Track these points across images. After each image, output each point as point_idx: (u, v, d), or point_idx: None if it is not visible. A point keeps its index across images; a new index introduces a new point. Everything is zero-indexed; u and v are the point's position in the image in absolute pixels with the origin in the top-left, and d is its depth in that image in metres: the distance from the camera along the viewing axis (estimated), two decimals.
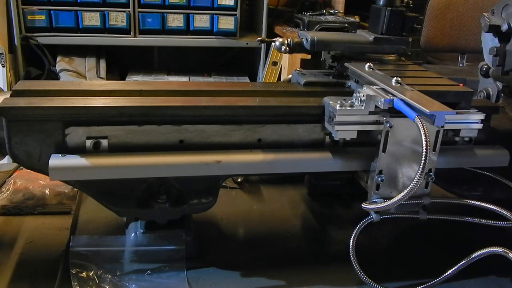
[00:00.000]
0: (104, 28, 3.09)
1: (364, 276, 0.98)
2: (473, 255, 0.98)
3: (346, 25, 3.07)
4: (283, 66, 3.17)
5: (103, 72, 3.15)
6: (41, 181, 1.29)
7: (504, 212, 0.99)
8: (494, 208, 1.00)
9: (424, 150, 0.85)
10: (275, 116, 1.04)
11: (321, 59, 1.25)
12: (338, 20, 3.14)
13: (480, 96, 1.29)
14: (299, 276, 1.03)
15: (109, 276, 0.97)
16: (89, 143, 0.96)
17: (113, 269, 0.99)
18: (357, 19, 3.19)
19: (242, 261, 1.07)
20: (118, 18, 3.08)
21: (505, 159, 1.11)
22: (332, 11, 3.35)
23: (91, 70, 3.13)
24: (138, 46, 3.32)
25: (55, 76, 3.07)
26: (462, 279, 1.03)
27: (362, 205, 0.99)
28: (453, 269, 1.00)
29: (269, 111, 1.03)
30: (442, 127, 0.94)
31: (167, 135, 1.00)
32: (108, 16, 3.05)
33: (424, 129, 0.85)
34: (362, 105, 0.96)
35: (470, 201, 1.04)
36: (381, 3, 1.16)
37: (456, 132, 1.03)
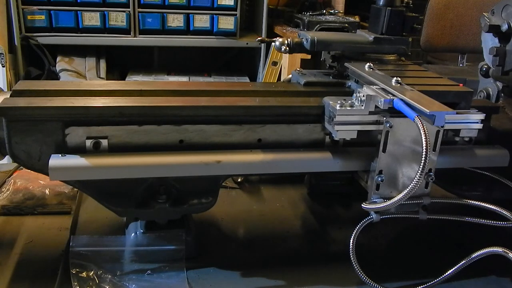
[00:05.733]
0: (104, 28, 3.09)
1: (364, 276, 0.98)
2: (473, 255, 0.98)
3: (346, 25, 3.07)
4: (283, 66, 3.17)
5: (103, 72, 3.15)
6: (41, 181, 1.29)
7: (504, 212, 0.99)
8: (494, 208, 1.00)
9: (424, 150, 0.85)
10: (275, 116, 1.04)
11: (321, 59, 1.25)
12: (338, 20, 3.14)
13: (480, 96, 1.29)
14: (299, 276, 1.03)
15: (109, 276, 0.97)
16: (89, 143, 0.96)
17: (113, 269, 0.99)
18: (357, 19, 3.19)
19: (242, 261, 1.07)
20: (118, 18, 3.08)
21: (505, 159, 1.11)
22: (332, 11, 3.35)
23: (91, 70, 3.13)
24: (138, 46, 3.32)
25: (55, 76, 3.07)
26: (462, 279, 1.03)
27: (362, 205, 0.99)
28: (453, 269, 1.00)
29: (269, 111, 1.03)
30: (442, 127, 0.94)
31: (167, 135, 1.00)
32: (108, 16, 3.05)
33: (424, 129, 0.85)
34: (362, 105, 0.96)
35: (470, 201, 1.04)
36: (381, 3, 1.16)
37: (456, 132, 1.03)
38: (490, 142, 1.13)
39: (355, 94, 0.98)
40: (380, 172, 0.99)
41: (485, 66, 1.28)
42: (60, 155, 0.94)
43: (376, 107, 0.95)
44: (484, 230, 1.03)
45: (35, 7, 2.97)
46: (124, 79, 3.32)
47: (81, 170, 0.93)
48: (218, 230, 1.19)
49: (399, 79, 0.97)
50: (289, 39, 1.16)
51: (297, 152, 1.04)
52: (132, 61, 3.53)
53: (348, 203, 1.34)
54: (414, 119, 0.86)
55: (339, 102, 0.98)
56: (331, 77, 1.18)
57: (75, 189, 1.26)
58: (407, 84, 0.97)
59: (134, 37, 3.14)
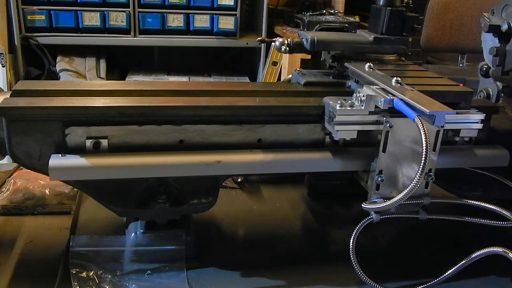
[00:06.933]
0: (104, 28, 3.09)
1: (364, 276, 0.98)
2: (473, 255, 0.98)
3: (346, 25, 3.07)
4: (283, 66, 3.17)
5: (103, 72, 3.15)
6: (41, 181, 1.29)
7: (504, 212, 0.99)
8: (494, 208, 1.00)
9: (424, 150, 0.85)
10: (275, 116, 1.04)
11: (321, 59, 1.25)
12: (338, 20, 3.14)
13: (480, 96, 1.29)
14: (299, 276, 1.03)
15: (109, 276, 0.97)
16: (89, 143, 0.96)
17: (113, 269, 0.99)
18: (357, 19, 3.19)
19: (242, 261, 1.07)
20: (118, 18, 3.08)
21: (505, 159, 1.11)
22: (332, 11, 3.35)
23: (91, 70, 3.13)
24: (138, 46, 3.32)
25: (55, 76, 3.07)
26: (462, 279, 1.03)
27: (362, 205, 0.99)
28: (453, 269, 1.00)
29: (269, 111, 1.03)
30: (442, 127, 0.93)
31: (167, 135, 1.00)
32: (108, 16, 3.05)
33: (424, 129, 0.85)
34: (362, 105, 0.96)
35: (470, 201, 1.04)
36: (381, 3, 1.16)
37: (456, 132, 1.03)
38: (490, 142, 1.13)
39: (355, 94, 0.98)
40: (380, 172, 0.99)
41: (485, 66, 1.28)
42: (60, 155, 0.94)
43: (376, 107, 0.95)
44: (484, 230, 1.03)
45: (35, 7, 2.97)
46: (124, 79, 3.32)
47: (81, 170, 0.93)
48: (218, 230, 1.19)
49: (399, 79, 0.97)
50: (289, 39, 1.16)
51: (297, 152, 1.04)
52: (132, 61, 3.53)
53: (348, 203, 1.34)
54: (414, 119, 0.86)
55: (339, 102, 0.98)
56: (331, 77, 1.18)
57: (75, 189, 1.26)
58: (407, 84, 0.97)
59: (134, 37, 3.14)
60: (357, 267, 0.98)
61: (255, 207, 1.31)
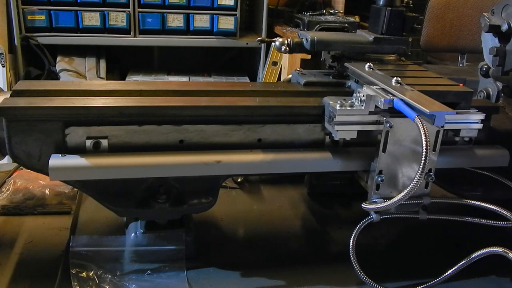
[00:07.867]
0: (104, 28, 3.08)
1: (364, 276, 0.98)
2: (473, 255, 0.98)
3: (346, 25, 3.07)
4: (283, 66, 3.17)
5: (103, 72, 3.15)
6: (41, 181, 1.29)
7: (504, 212, 0.99)
8: (494, 208, 1.00)
9: (424, 150, 0.85)
10: (275, 116, 1.04)
11: (321, 59, 1.25)
12: (338, 20, 3.14)
13: (480, 96, 1.29)
14: (299, 276, 1.03)
15: (109, 276, 0.97)
16: (89, 143, 0.96)
17: (113, 269, 0.99)
18: (357, 19, 3.19)
19: (242, 261, 1.07)
20: (118, 18, 3.07)
21: (505, 159, 1.11)
22: (332, 11, 3.35)
23: (91, 70, 3.12)
24: (138, 46, 3.32)
25: (55, 76, 3.07)
26: (462, 279, 1.03)
27: (362, 205, 0.99)
28: (453, 269, 1.00)
29: (269, 111, 1.03)
30: (442, 127, 0.93)
31: (167, 135, 1.00)
32: (108, 16, 3.05)
33: (424, 129, 0.85)
34: (362, 105, 0.96)
35: (470, 201, 1.04)
36: (381, 3, 1.16)
37: (456, 132, 1.03)
38: (490, 142, 1.13)
39: (355, 94, 0.98)
40: (380, 172, 0.99)
41: (485, 66, 1.28)
42: (60, 155, 0.94)
43: (376, 107, 0.95)
44: (484, 230, 1.03)
45: (35, 7, 2.97)
46: (124, 79, 3.32)
47: (81, 170, 0.93)
48: (218, 230, 1.19)
49: (399, 79, 0.97)
50: (289, 39, 1.16)
51: (297, 152, 1.04)
52: (132, 61, 3.53)
53: (348, 203, 1.34)
54: (414, 119, 0.86)
55: (339, 102, 0.98)
56: (331, 77, 1.18)
57: (75, 189, 1.26)
58: (407, 84, 0.97)
59: (134, 37, 3.14)
60: (357, 267, 0.98)
61: (255, 207, 1.31)
